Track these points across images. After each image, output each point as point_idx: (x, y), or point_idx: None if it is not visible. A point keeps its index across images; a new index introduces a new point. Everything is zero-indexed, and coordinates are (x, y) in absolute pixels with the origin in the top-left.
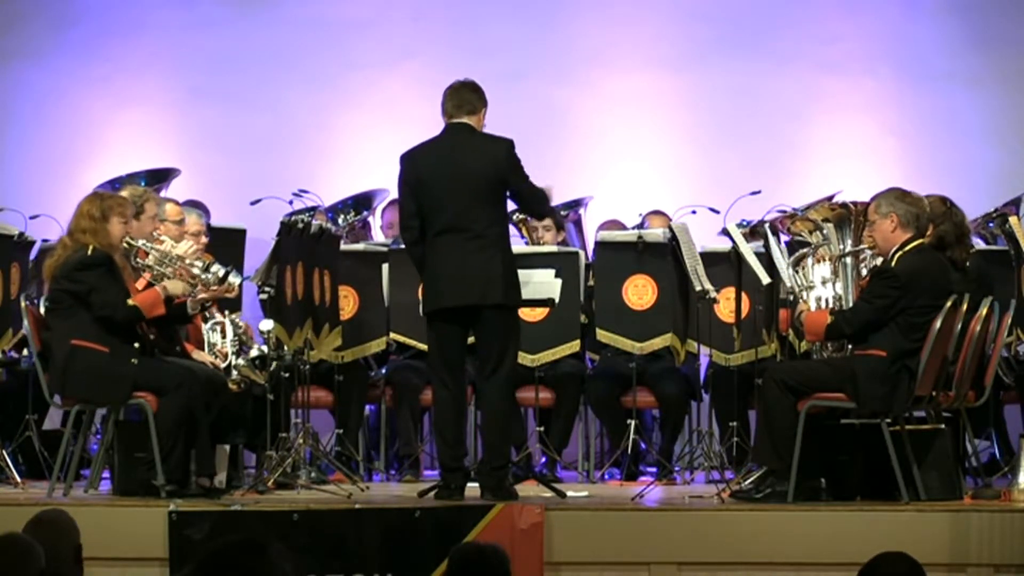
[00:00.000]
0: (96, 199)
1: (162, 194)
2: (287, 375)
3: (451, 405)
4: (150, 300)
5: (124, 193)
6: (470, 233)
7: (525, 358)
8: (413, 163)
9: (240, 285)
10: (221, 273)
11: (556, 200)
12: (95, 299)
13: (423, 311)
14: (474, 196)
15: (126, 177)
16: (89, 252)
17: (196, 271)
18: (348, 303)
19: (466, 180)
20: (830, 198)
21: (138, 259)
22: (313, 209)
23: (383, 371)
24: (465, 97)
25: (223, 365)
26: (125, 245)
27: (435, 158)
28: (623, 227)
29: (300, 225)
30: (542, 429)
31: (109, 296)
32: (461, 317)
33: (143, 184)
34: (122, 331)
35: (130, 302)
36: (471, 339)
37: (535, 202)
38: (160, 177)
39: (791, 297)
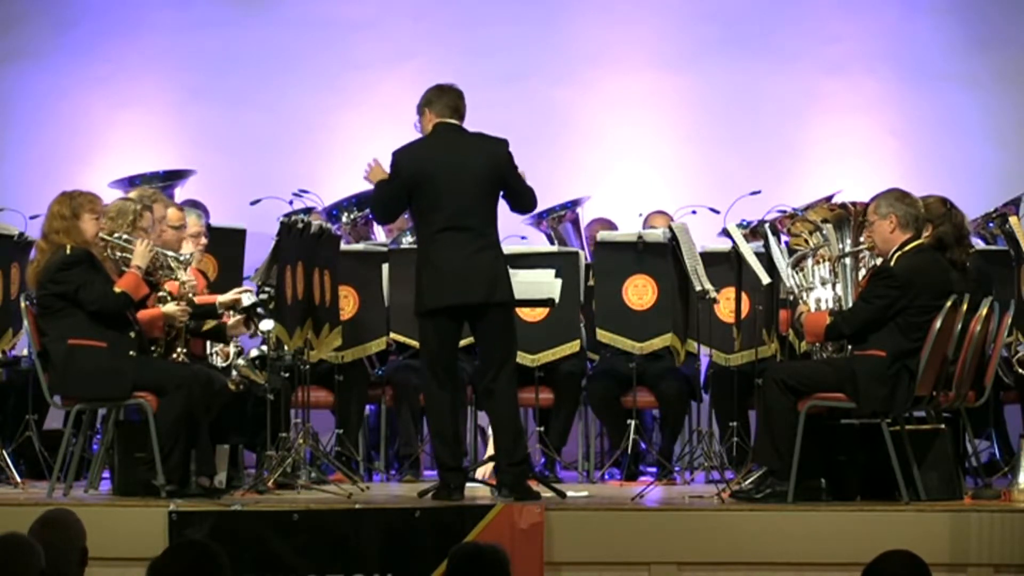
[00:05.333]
0: (66, 198)
1: (171, 194)
2: (287, 375)
3: (448, 404)
4: (132, 282)
5: (132, 194)
6: (471, 232)
7: (525, 358)
8: (410, 159)
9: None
10: (247, 302)
11: (554, 200)
12: (84, 295)
13: (423, 308)
14: (474, 194)
15: (149, 175)
16: (68, 251)
17: (172, 263)
18: (348, 303)
19: (467, 178)
20: (829, 198)
21: (115, 253)
22: (311, 210)
23: (379, 372)
24: (451, 100)
25: (223, 365)
26: (100, 241)
27: (434, 155)
28: (612, 225)
29: (300, 225)
30: (542, 429)
31: (96, 290)
32: (461, 316)
33: (159, 182)
34: (116, 324)
35: (116, 289)
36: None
37: (528, 200)
38: (176, 177)
39: (791, 297)
